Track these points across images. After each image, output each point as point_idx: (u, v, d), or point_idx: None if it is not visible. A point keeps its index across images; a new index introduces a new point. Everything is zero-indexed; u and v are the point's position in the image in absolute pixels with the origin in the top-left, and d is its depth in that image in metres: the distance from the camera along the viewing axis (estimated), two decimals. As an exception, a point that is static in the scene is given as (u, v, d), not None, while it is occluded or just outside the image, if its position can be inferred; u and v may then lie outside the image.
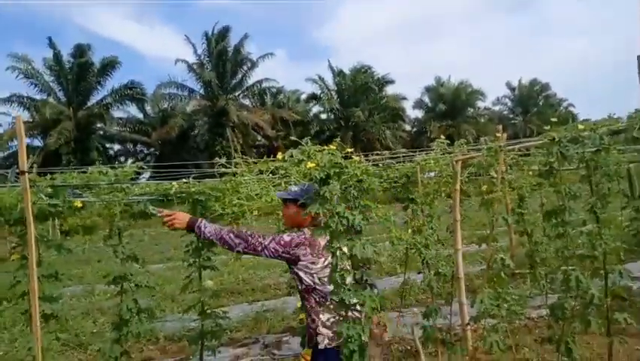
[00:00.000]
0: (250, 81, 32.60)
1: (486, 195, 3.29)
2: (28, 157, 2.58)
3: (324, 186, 2.48)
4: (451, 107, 39.01)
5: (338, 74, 35.24)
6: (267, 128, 30.61)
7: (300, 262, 2.60)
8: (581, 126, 3.18)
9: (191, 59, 31.07)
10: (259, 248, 2.60)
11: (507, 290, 2.97)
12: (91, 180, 2.99)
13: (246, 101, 34.35)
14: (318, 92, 35.49)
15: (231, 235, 2.65)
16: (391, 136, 34.34)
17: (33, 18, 69.26)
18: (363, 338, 2.37)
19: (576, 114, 47.18)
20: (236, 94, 32.82)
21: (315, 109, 37.41)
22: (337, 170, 2.47)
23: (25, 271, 2.74)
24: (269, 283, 7.97)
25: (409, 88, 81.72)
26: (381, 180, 4.63)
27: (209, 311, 4.06)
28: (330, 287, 2.53)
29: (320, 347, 2.55)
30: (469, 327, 3.50)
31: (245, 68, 31.97)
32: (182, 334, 5.59)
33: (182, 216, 2.81)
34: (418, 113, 42.48)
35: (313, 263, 2.60)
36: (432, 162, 4.39)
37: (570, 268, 3.20)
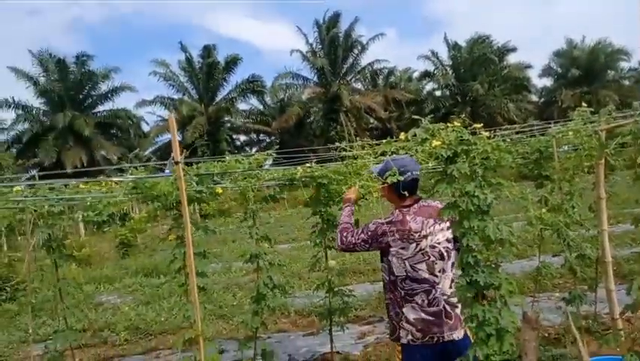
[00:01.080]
0: (361, 64, 32.72)
1: (641, 167, 2.87)
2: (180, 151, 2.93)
3: (450, 164, 2.41)
4: (586, 71, 34.47)
5: (453, 47, 33.48)
6: (379, 110, 30.44)
7: (392, 249, 2.47)
8: None
9: (304, 48, 32.17)
10: (351, 247, 2.59)
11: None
12: (229, 168, 3.30)
13: (358, 85, 34.57)
14: (432, 68, 34.23)
15: (339, 233, 2.68)
16: (515, 109, 31.69)
17: (164, 24, 77.81)
18: (501, 323, 2.27)
19: None
20: (348, 78, 33.17)
21: (429, 86, 36.14)
22: (465, 147, 2.37)
23: (181, 249, 3.14)
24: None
25: (534, 55, 74.03)
26: (513, 157, 4.33)
27: (335, 289, 4.24)
28: (425, 274, 2.46)
29: (403, 341, 2.47)
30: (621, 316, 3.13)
31: (356, 51, 32.12)
32: (310, 309, 5.93)
33: (351, 192, 3.00)
34: (546, 82, 38.37)
35: (404, 249, 2.45)
36: (570, 133, 3.95)
37: None
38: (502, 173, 4.83)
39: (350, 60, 32.37)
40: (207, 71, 30.94)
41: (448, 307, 2.46)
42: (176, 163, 2.49)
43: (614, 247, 6.47)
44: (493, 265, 2.32)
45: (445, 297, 2.47)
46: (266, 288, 3.74)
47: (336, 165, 3.92)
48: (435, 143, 2.40)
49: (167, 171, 3.38)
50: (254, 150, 34.38)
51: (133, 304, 7.23)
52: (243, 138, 36.54)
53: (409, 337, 2.44)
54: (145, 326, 5.99)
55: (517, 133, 3.68)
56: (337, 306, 4.24)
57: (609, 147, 4.20)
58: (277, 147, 32.67)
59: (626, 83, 36.97)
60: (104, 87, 30.23)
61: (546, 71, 37.50)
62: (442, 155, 2.37)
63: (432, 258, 2.48)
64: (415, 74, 37.44)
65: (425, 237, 2.49)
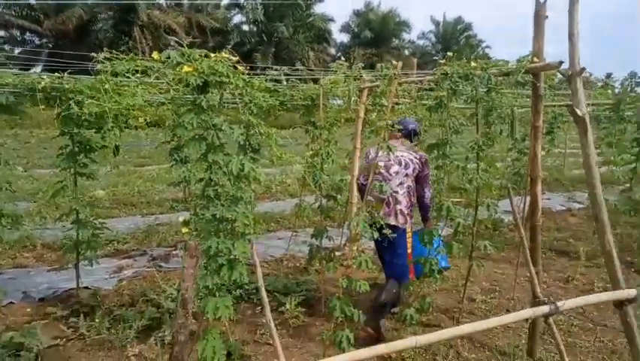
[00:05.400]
0: (165, -23, 29.26)
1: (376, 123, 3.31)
2: None
3: (201, 94, 2.30)
4: (377, 35, 38.62)
5: (264, -18, 32.82)
6: (181, 32, 28.07)
7: None
8: (473, 64, 3.25)
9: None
10: None
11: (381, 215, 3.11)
12: None
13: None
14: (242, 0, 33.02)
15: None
16: (314, 58, 33.53)
17: None
18: (233, 253, 2.36)
19: (492, 57, 49.42)
20: (149, -11, 29.35)
21: (237, 19, 34.97)
22: (217, 79, 2.28)
23: None
24: (167, 197, 7.71)
25: (337, 10, 78.83)
26: (284, 100, 4.48)
27: (84, 221, 3.81)
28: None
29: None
30: (346, 247, 3.69)
31: (160, -40, 28.44)
32: (62, 242, 5.27)
33: None
34: (344, 38, 41.68)
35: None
36: (338, 87, 4.28)
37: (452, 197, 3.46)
38: (276, 114, 5.02)
39: (152, -31, 28.57)
40: None
41: (390, 199, 3.44)
42: None
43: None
44: (232, 199, 2.36)
45: (391, 190, 3.41)
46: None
47: (90, 78, 3.38)
48: (186, 68, 2.24)
49: None
50: (17, 50, 27.88)
51: None
52: (0, 33, 28.97)
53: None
54: None
55: (285, 75, 3.77)
56: (86, 239, 3.83)
57: (366, 103, 4.72)
58: (41, 49, 27.08)
59: (406, 52, 43.04)
60: None
61: (345, 28, 40.58)
62: (192, 82, 2.23)
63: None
64: (225, 1, 35.65)
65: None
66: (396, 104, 4.87)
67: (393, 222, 3.39)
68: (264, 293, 1.70)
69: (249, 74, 2.53)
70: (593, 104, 6.31)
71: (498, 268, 5.04)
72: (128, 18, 26.35)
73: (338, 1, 70.21)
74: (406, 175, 3.50)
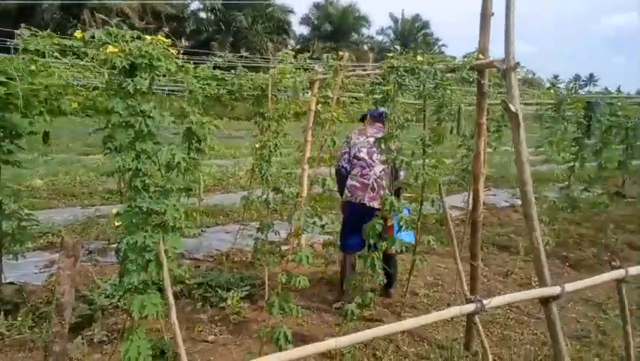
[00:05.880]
0: (118, -43, 27.85)
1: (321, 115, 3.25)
2: None
3: (128, 78, 2.15)
4: (336, 29, 38.68)
5: (224, -30, 32.04)
6: (135, 17, 26.98)
7: None
8: (419, 58, 3.24)
9: None
10: None
11: (324, 208, 3.06)
12: None
13: (112, -19, 29.50)
14: (200, -14, 32.10)
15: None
16: (273, 49, 33.12)
17: None
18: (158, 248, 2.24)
19: (447, 56, 50.73)
20: (100, -31, 27.88)
21: (194, 5, 34.03)
22: (146, 61, 2.13)
23: None
24: (110, 187, 7.35)
25: (297, 1, 77.98)
26: (232, 90, 4.34)
27: (9, 212, 3.53)
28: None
29: (345, 199, 3.86)
30: (291, 241, 3.62)
31: (112, -62, 27.05)
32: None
33: None
34: (304, 30, 41.47)
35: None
36: (287, 77, 4.18)
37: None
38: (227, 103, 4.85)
39: (104, -53, 27.13)
40: None
41: (375, 184, 3.70)
42: None
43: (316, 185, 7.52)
44: (161, 191, 2.23)
45: (375, 176, 3.72)
46: None
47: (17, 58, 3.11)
48: (110, 49, 2.08)
49: None
50: (-51, 28, 25.76)
51: None
52: None
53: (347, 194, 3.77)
54: None
55: (229, 61, 3.64)
56: (11, 231, 3.56)
57: (318, 95, 4.64)
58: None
59: (365, 47, 43.34)
60: None
61: (305, 20, 40.41)
62: (117, 64, 2.08)
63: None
64: (181, -13, 34.49)
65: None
66: (354, 97, 4.85)
67: (377, 206, 3.66)
68: (169, 294, 1.60)
69: (183, 59, 2.40)
70: (537, 104, 6.56)
71: (442, 262, 5.14)
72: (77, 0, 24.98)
73: (299, -6, 69.62)
74: (386, 161, 3.71)
